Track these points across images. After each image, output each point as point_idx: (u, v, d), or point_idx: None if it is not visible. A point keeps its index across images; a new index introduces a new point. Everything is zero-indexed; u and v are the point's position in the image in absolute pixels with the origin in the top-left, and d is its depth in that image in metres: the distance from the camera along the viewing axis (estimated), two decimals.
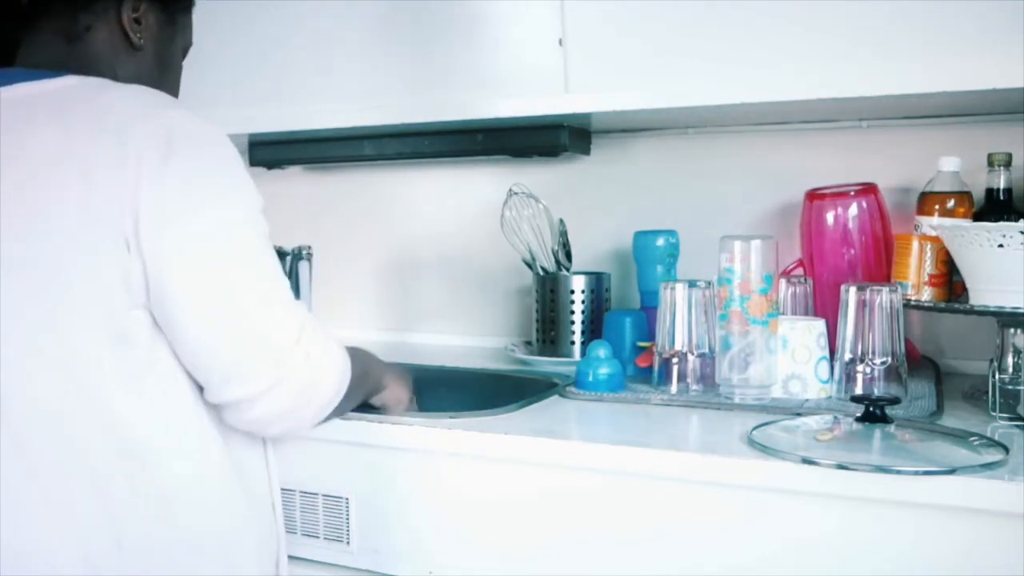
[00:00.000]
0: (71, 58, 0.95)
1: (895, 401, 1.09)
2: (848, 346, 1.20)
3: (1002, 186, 1.34)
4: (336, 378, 0.98)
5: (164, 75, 1.04)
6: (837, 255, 1.43)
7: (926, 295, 1.28)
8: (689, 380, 1.30)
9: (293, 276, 1.53)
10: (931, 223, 1.33)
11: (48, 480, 0.86)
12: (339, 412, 1.05)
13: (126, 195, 0.83)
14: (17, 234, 0.84)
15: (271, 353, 0.90)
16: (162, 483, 0.89)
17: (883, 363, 1.17)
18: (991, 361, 1.16)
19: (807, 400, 1.23)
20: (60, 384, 0.85)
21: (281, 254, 1.50)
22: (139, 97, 0.90)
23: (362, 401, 1.14)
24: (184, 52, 1.10)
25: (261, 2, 1.62)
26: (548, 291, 1.62)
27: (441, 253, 1.91)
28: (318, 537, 1.21)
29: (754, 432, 1.06)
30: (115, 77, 0.97)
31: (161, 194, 0.84)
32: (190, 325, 0.87)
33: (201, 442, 0.92)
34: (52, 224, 0.84)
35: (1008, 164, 1.33)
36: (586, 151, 1.72)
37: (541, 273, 1.64)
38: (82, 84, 0.91)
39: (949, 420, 1.13)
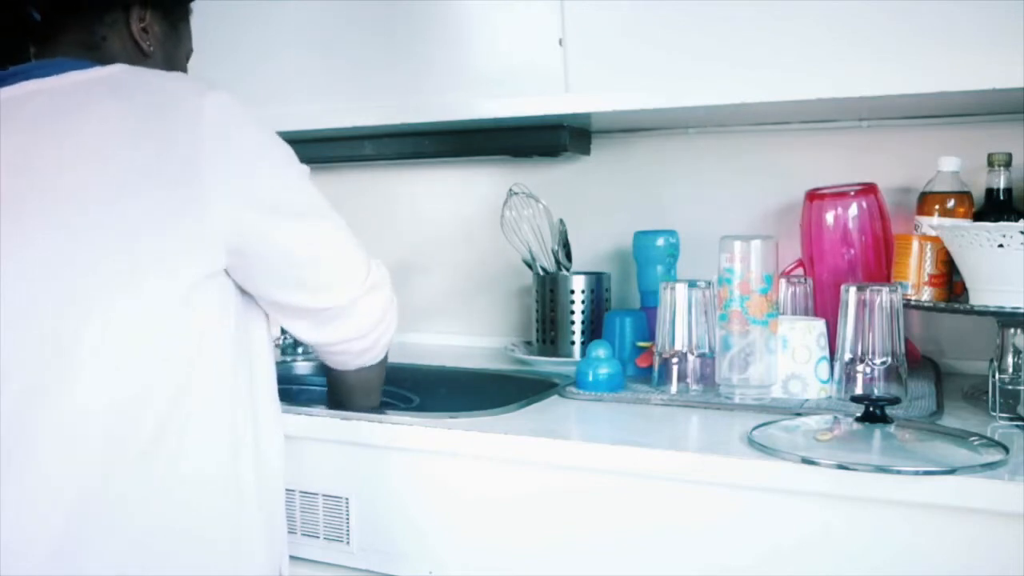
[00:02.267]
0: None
1: (895, 401, 1.09)
2: (848, 346, 1.20)
3: (1002, 186, 1.34)
4: (394, 307, 1.11)
5: None
6: (837, 255, 1.43)
7: (926, 295, 1.28)
8: (689, 380, 1.30)
9: None
10: (931, 223, 1.33)
11: (58, 481, 0.85)
12: (383, 368, 1.16)
13: (204, 166, 0.87)
14: (82, 204, 0.86)
15: (362, 262, 1.04)
16: (176, 483, 0.89)
17: (883, 363, 1.17)
18: (991, 361, 1.16)
19: (807, 400, 1.23)
20: (70, 383, 0.85)
21: None
22: (190, 79, 0.96)
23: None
24: (187, 58, 1.14)
25: (261, 2, 1.62)
26: (548, 291, 1.62)
27: (441, 253, 1.91)
28: (318, 537, 1.21)
29: (754, 432, 1.06)
30: None
31: (237, 163, 0.90)
32: (271, 264, 0.95)
33: (216, 446, 0.93)
34: (123, 192, 0.86)
35: (1008, 164, 1.33)
36: (586, 151, 1.72)
37: (541, 273, 1.64)
38: (133, 70, 0.95)
39: (949, 420, 1.13)
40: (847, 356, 1.20)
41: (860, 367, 1.18)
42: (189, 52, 1.13)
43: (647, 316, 1.47)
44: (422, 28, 1.53)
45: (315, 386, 1.33)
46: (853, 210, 1.42)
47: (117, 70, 0.94)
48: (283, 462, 1.04)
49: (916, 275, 1.29)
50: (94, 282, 0.85)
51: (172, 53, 1.08)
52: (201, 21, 1.13)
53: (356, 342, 1.07)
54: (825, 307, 1.38)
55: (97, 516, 0.86)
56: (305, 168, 1.01)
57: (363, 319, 1.05)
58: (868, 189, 1.43)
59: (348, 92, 1.60)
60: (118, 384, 0.86)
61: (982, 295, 1.15)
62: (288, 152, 0.99)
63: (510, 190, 1.65)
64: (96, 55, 0.99)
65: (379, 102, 1.57)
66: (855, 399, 1.09)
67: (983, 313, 1.16)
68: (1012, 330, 1.16)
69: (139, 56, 1.03)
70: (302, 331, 1.04)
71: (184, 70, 1.12)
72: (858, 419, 1.05)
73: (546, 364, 1.57)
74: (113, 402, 0.86)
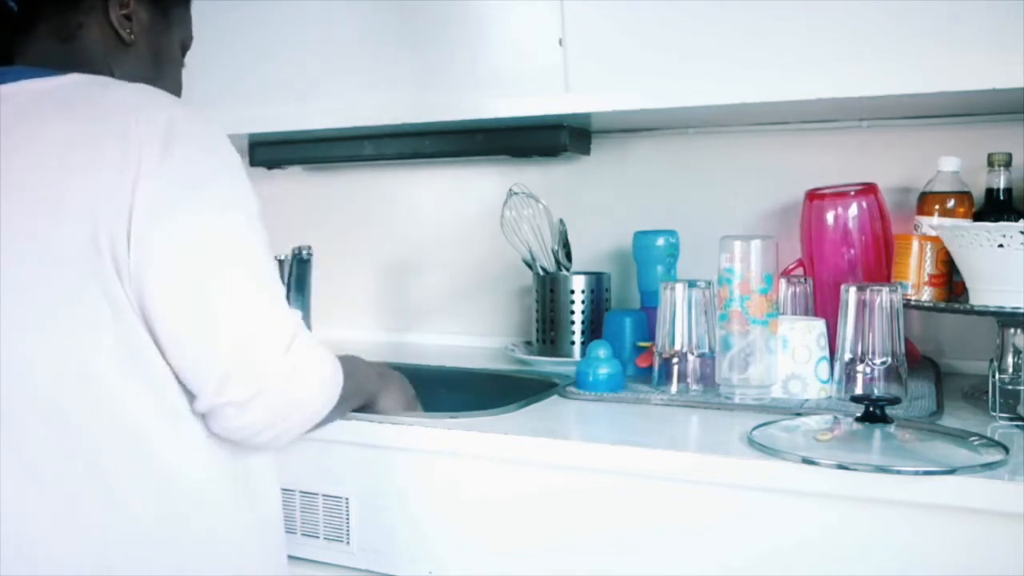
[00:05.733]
0: (69, 57, 0.95)
1: (895, 401, 1.09)
2: (848, 346, 1.20)
3: (1002, 186, 1.34)
4: (326, 392, 0.95)
5: (162, 71, 1.04)
6: (837, 255, 1.43)
7: (926, 295, 1.28)
8: (689, 380, 1.30)
9: (293, 277, 1.53)
10: (931, 223, 1.33)
11: (54, 482, 0.85)
12: (328, 421, 1.02)
13: (124, 193, 0.82)
14: (20, 228, 0.84)
15: (255, 362, 0.87)
16: (173, 487, 0.89)
17: (883, 363, 1.17)
18: (991, 361, 1.16)
19: (807, 400, 1.23)
20: (63, 382, 0.85)
21: (278, 261, 1.49)
22: (141, 95, 0.89)
23: (355, 409, 1.14)
24: (184, 48, 1.09)
25: (261, 2, 1.62)
26: (548, 291, 1.62)
27: (441, 253, 1.91)
28: (318, 537, 1.21)
29: (754, 432, 1.06)
30: (112, 74, 0.97)
31: (156, 191, 0.83)
32: (171, 324, 0.85)
33: (211, 446, 0.92)
34: (57, 219, 0.83)
35: (1008, 164, 1.33)
36: (586, 151, 1.72)
37: (541, 273, 1.64)
38: (87, 81, 0.91)
39: (949, 420, 1.13)
40: (847, 356, 1.20)
41: (860, 367, 1.18)
42: (187, 41, 1.08)
43: (647, 316, 1.47)
44: (421, 28, 1.53)
45: None
46: (853, 210, 1.42)
47: (74, 80, 0.90)
48: (274, 462, 1.04)
49: (916, 275, 1.29)
50: (31, 312, 0.83)
51: (160, 42, 1.02)
52: (201, 21, 1.12)
53: (254, 436, 0.91)
54: (825, 307, 1.38)
55: (96, 517, 0.86)
56: (253, 210, 0.89)
57: (256, 415, 0.88)
58: (868, 189, 1.43)
59: (348, 92, 1.60)
60: (106, 389, 0.85)
61: (982, 295, 1.15)
62: (237, 188, 0.89)
63: (510, 190, 1.65)
64: (71, 45, 0.96)
65: (379, 102, 1.57)
66: (855, 399, 1.09)
67: (983, 313, 1.16)
68: (1012, 330, 1.16)
69: (118, 46, 0.98)
70: (198, 399, 0.88)
71: (177, 61, 1.07)
72: (858, 419, 1.05)
73: (546, 364, 1.57)
74: (101, 406, 0.85)
